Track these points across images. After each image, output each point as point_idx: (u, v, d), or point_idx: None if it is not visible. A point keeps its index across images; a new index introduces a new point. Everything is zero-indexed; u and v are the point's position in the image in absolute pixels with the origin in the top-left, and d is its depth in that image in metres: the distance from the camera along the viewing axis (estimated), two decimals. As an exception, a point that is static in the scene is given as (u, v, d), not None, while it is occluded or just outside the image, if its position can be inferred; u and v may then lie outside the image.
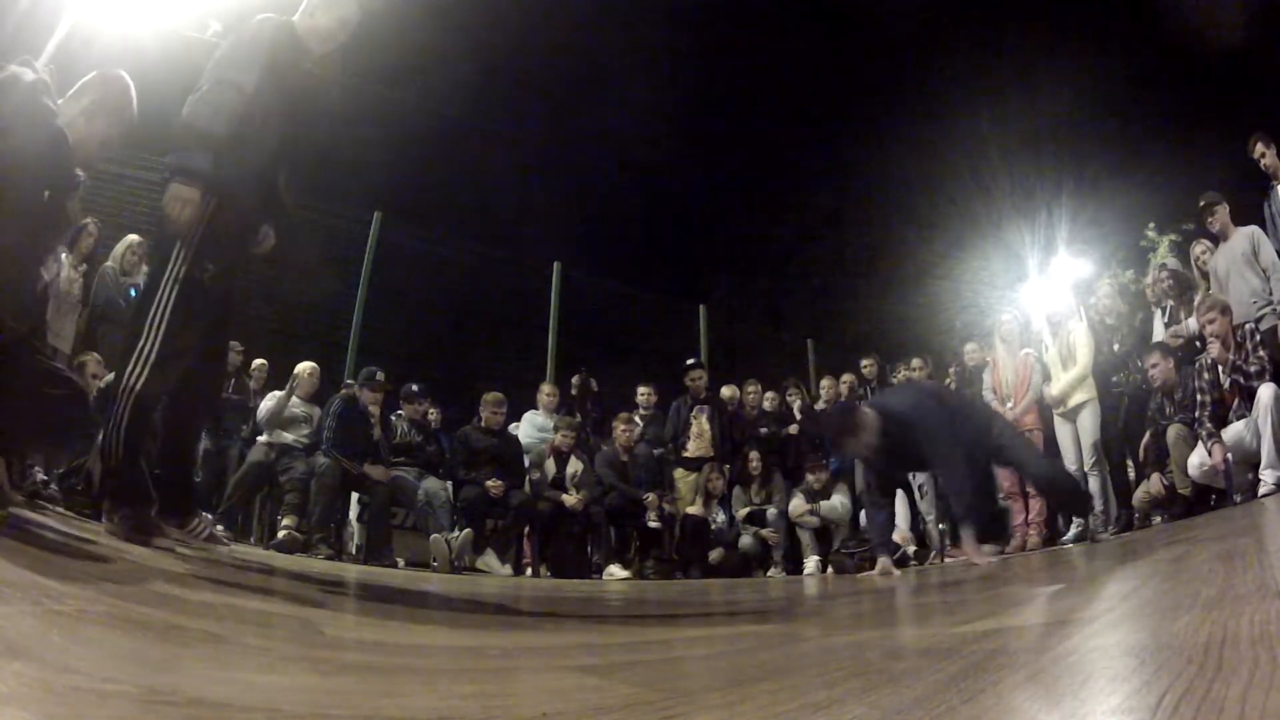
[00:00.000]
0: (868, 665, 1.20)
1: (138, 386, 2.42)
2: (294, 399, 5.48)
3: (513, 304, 8.98)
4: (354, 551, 5.56)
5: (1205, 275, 5.19)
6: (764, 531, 6.01)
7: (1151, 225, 13.67)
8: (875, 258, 18.27)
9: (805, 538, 6.00)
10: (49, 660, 0.77)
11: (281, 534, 4.85)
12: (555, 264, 8.50)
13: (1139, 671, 0.81)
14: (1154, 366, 4.83)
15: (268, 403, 5.44)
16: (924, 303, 16.14)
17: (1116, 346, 5.49)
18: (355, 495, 5.50)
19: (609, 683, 1.01)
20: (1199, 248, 5.33)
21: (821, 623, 2.19)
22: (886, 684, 0.94)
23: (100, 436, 2.51)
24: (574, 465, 5.84)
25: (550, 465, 5.89)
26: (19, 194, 2.06)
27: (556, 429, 6.07)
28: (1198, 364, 4.60)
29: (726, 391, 7.16)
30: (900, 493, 6.07)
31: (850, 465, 6.51)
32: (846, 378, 7.10)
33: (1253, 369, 4.26)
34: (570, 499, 5.65)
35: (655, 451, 6.43)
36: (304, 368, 5.64)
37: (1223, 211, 5.05)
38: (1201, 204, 5.13)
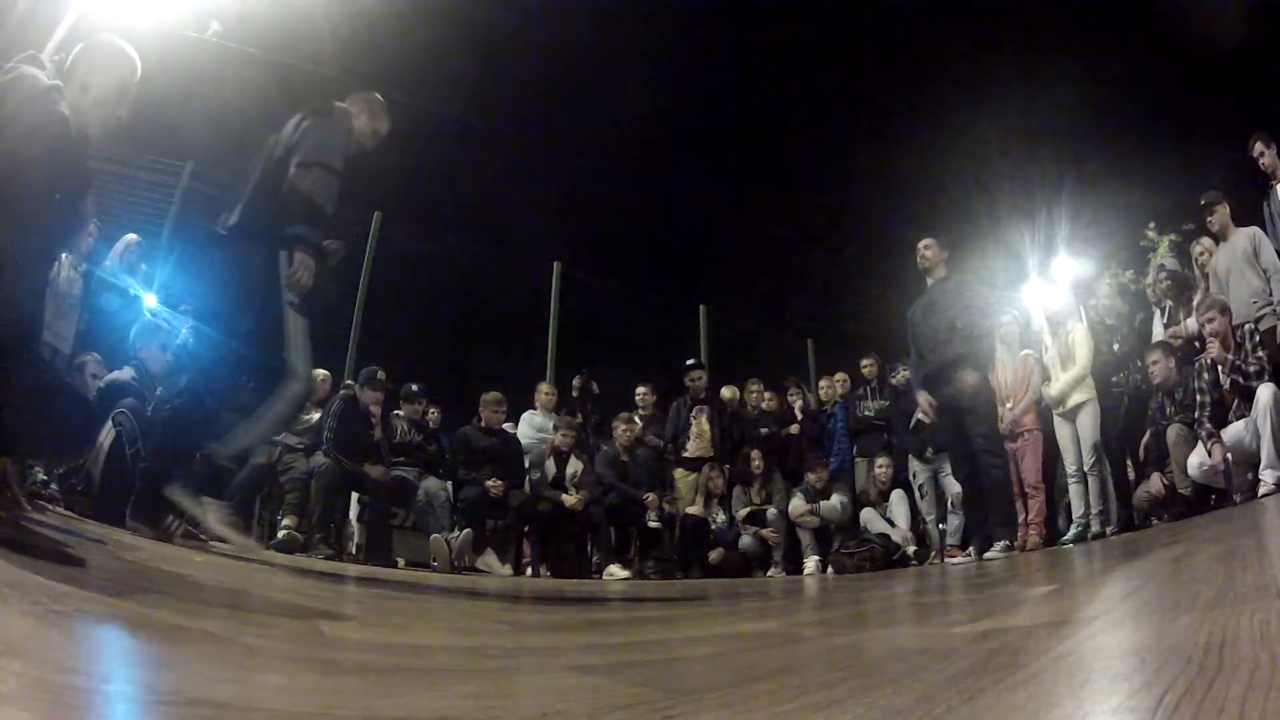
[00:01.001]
0: (868, 665, 1.20)
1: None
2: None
3: (513, 304, 8.97)
4: (354, 551, 5.55)
5: (1205, 275, 5.19)
6: (764, 531, 6.01)
7: (1151, 225, 13.65)
8: (875, 258, 18.25)
9: (805, 538, 6.00)
10: (49, 660, 0.77)
11: (281, 534, 4.85)
12: (555, 264, 8.50)
13: (1139, 671, 0.81)
14: (1154, 364, 4.84)
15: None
16: (924, 303, 16.10)
17: (1116, 346, 5.48)
18: (355, 495, 5.51)
19: (609, 683, 1.01)
20: (1198, 248, 5.33)
21: (821, 623, 2.19)
22: (886, 684, 0.94)
23: (105, 434, 2.54)
24: (574, 465, 5.84)
25: (550, 465, 5.89)
26: (24, 194, 2.05)
27: (556, 429, 6.07)
28: (1197, 364, 4.60)
29: (726, 392, 7.16)
30: (900, 492, 6.10)
31: (850, 465, 6.53)
32: (839, 376, 7.11)
33: (1252, 369, 4.26)
34: (570, 499, 5.65)
35: (655, 443, 6.43)
36: (317, 374, 5.72)
37: (1223, 210, 5.05)
38: (1203, 202, 5.13)
